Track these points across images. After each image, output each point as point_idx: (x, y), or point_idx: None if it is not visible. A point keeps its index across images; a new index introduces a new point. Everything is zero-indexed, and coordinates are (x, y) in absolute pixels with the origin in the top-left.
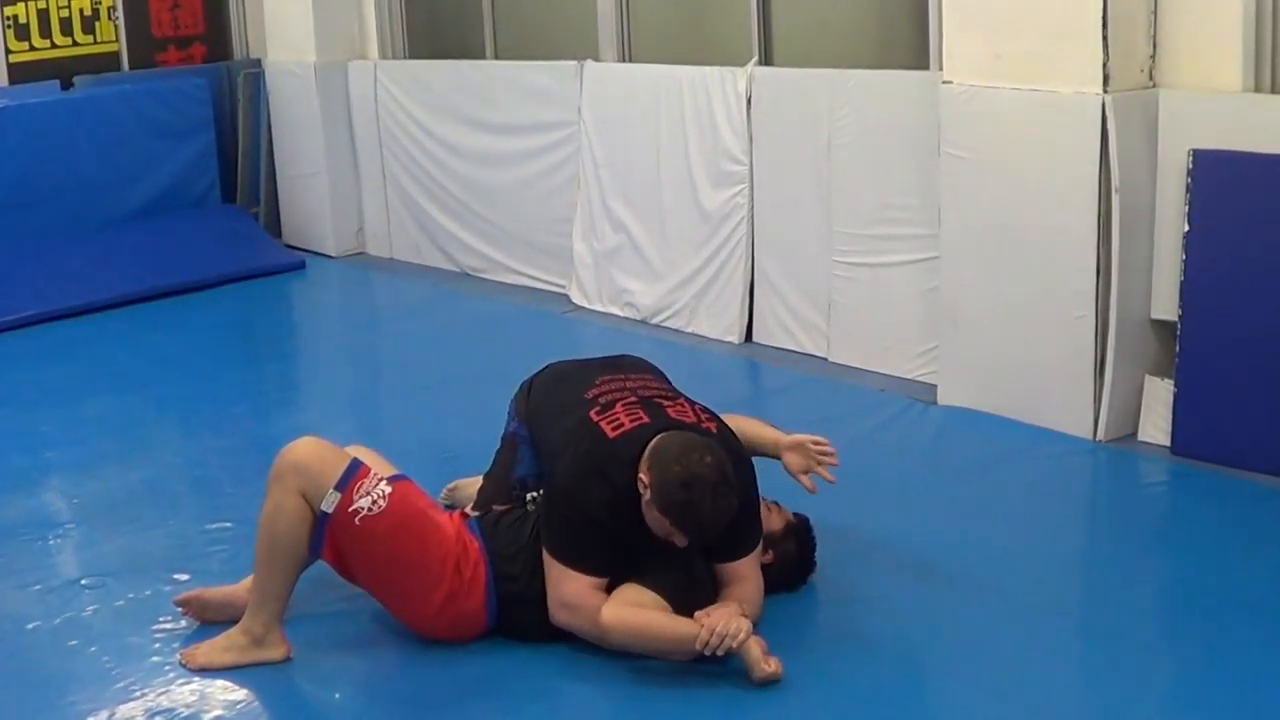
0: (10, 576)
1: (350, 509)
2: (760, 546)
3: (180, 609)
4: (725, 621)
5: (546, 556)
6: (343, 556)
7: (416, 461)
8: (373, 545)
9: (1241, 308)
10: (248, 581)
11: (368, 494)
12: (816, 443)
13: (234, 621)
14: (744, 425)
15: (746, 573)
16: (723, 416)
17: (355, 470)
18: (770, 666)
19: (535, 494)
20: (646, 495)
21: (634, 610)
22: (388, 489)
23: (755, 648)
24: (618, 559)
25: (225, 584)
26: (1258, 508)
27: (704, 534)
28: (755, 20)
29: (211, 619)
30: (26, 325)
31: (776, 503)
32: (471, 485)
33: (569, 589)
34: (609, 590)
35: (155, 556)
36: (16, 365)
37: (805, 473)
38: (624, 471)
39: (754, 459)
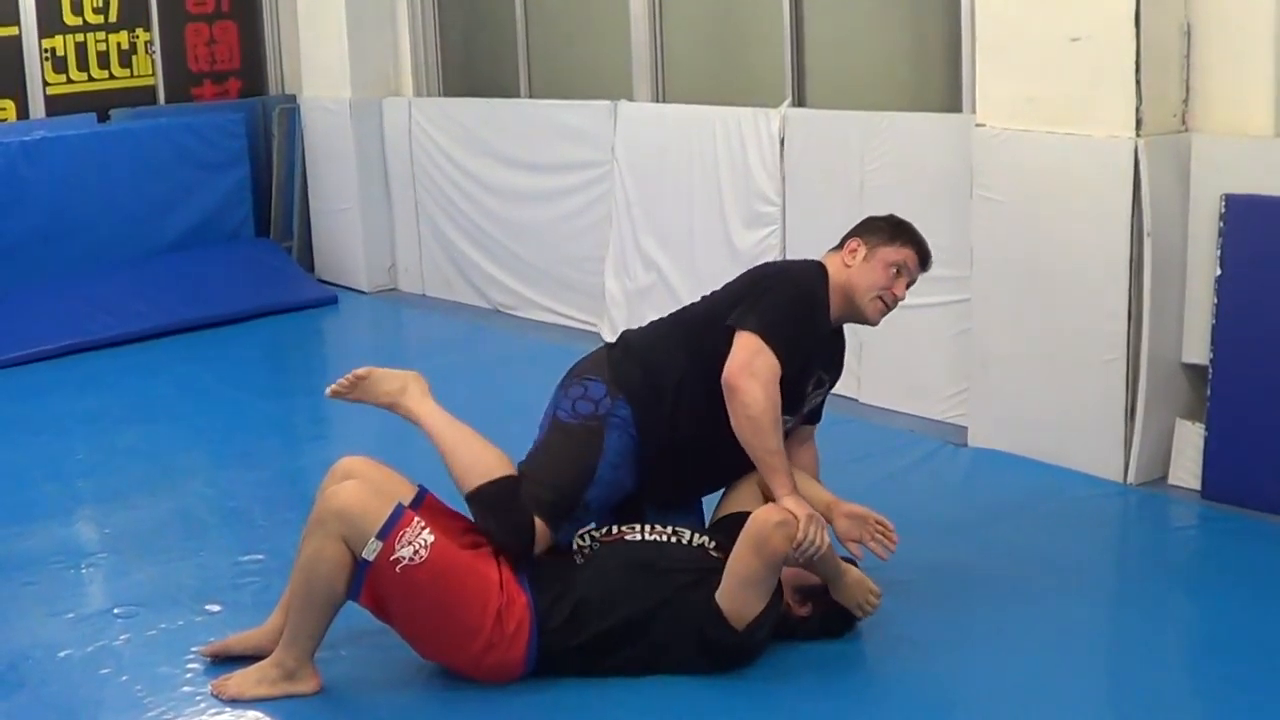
0: (42, 604)
1: (391, 558)
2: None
3: (208, 658)
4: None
5: (746, 334)
6: (381, 603)
7: (445, 498)
8: (412, 594)
9: (1273, 352)
10: (271, 624)
11: (410, 543)
12: (880, 522)
13: (265, 655)
14: (798, 478)
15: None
16: None
17: (399, 518)
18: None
19: (584, 541)
20: (861, 251)
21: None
22: (430, 538)
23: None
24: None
25: (254, 625)
26: None
27: (920, 244)
28: (789, 62)
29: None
30: (60, 355)
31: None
32: None
33: (762, 362)
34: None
35: (187, 587)
36: (50, 394)
37: (856, 541)
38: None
39: None
